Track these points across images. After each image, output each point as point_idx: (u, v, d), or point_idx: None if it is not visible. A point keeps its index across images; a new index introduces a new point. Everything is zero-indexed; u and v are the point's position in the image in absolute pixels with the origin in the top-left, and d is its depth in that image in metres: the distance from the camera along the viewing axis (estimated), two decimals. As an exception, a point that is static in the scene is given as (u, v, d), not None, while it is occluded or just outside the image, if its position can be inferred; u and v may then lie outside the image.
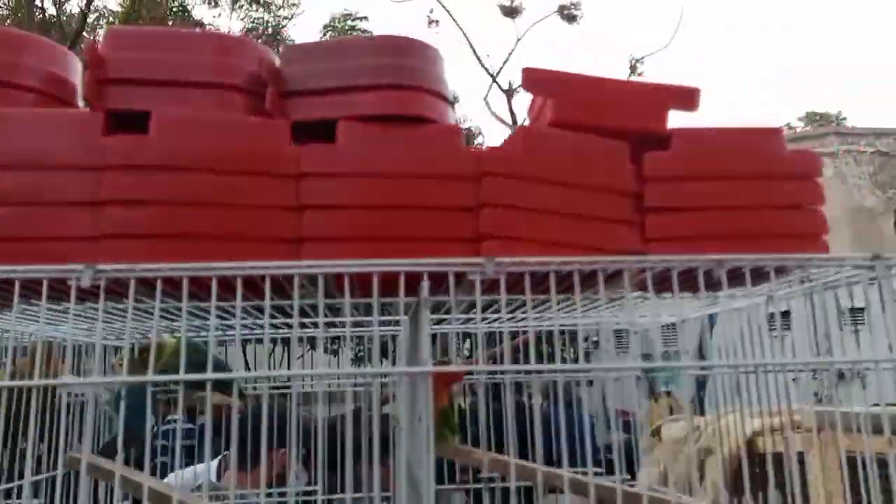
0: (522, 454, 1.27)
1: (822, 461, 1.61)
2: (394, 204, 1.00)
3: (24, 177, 0.92)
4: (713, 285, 1.00)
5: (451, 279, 0.92)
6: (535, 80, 1.07)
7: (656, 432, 2.33)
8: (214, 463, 2.26)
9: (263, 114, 1.01)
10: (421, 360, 0.99)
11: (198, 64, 1.00)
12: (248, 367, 4.73)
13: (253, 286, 0.93)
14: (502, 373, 1.86)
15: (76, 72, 1.08)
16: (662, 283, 0.99)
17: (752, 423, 1.81)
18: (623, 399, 1.83)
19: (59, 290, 0.88)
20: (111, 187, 0.92)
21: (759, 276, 0.98)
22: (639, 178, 1.05)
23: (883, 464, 0.95)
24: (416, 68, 1.04)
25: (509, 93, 11.62)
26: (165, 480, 2.11)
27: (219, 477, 2.21)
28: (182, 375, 0.86)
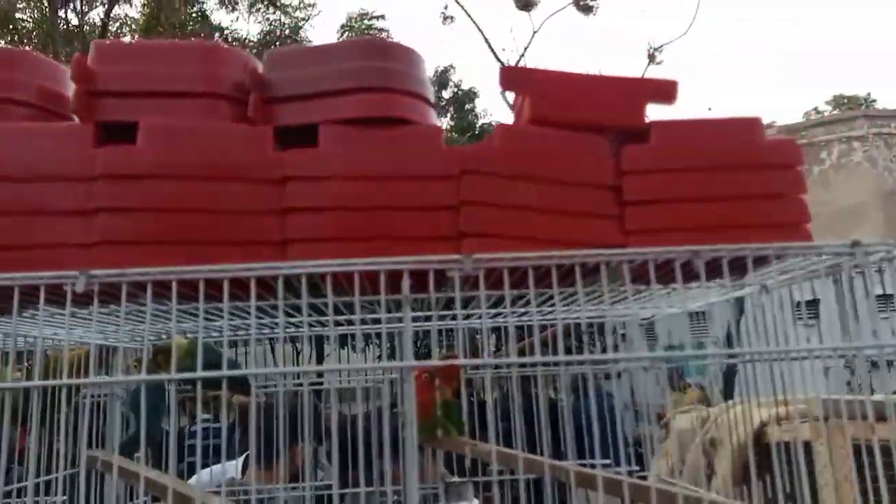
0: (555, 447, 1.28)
1: (830, 450, 1.60)
2: (376, 204, 1.02)
3: (20, 188, 0.96)
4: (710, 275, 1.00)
5: (432, 276, 0.94)
6: (511, 79, 1.09)
7: (665, 424, 2.34)
8: (239, 461, 2.33)
9: (248, 120, 1.04)
10: (405, 355, 1.02)
11: (182, 74, 1.03)
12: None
13: (244, 286, 0.96)
14: (521, 366, 1.87)
15: (69, 85, 1.13)
16: (664, 276, 0.99)
17: (761, 413, 1.81)
18: (656, 391, 1.83)
19: (56, 295, 0.92)
20: (102, 196, 0.96)
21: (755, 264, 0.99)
22: (618, 171, 1.07)
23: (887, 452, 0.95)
24: (396, 71, 1.06)
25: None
26: (191, 480, 2.17)
27: (243, 474, 2.27)
28: (169, 374, 0.89)
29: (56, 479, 1.32)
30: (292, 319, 1.31)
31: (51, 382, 0.89)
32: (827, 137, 12.36)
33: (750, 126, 1.09)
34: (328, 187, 1.02)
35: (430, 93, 1.12)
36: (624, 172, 1.06)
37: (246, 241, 0.99)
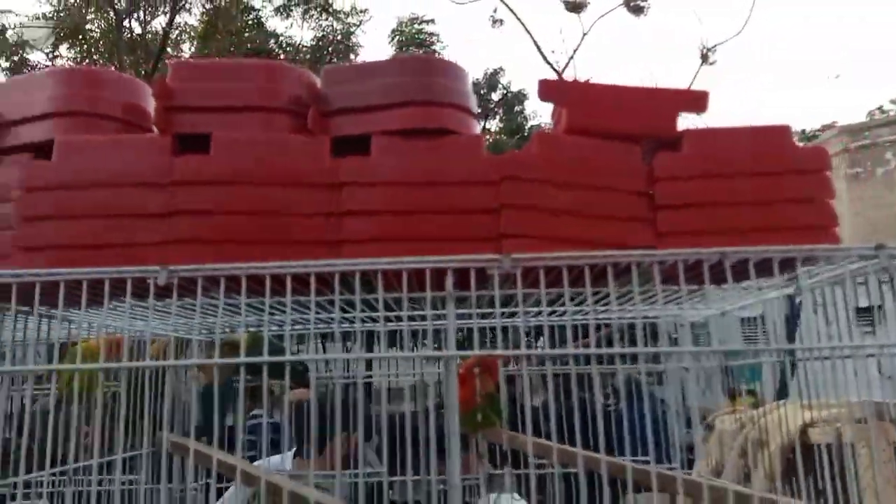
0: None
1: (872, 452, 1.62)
2: (423, 208, 1.11)
3: (108, 193, 1.09)
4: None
5: (473, 275, 1.03)
6: (549, 90, 1.16)
7: (709, 425, 2.36)
8: (290, 454, 2.46)
9: (307, 131, 1.15)
10: (449, 347, 1.10)
11: (249, 90, 1.14)
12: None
13: (304, 282, 1.06)
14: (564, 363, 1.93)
15: (149, 100, 1.25)
16: (694, 278, 1.05)
17: (804, 415, 1.83)
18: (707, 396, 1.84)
19: (140, 288, 1.04)
20: (180, 200, 1.08)
21: (782, 266, 1.03)
22: (651, 177, 1.13)
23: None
24: (440, 85, 1.15)
25: (576, 88, 11.51)
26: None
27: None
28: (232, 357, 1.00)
29: (139, 455, 1.45)
30: (346, 315, 1.41)
31: (135, 364, 1.01)
32: (891, 138, 11.92)
33: (779, 133, 1.13)
34: (380, 192, 1.11)
35: (473, 104, 1.20)
36: (657, 179, 1.12)
37: (305, 241, 1.10)
